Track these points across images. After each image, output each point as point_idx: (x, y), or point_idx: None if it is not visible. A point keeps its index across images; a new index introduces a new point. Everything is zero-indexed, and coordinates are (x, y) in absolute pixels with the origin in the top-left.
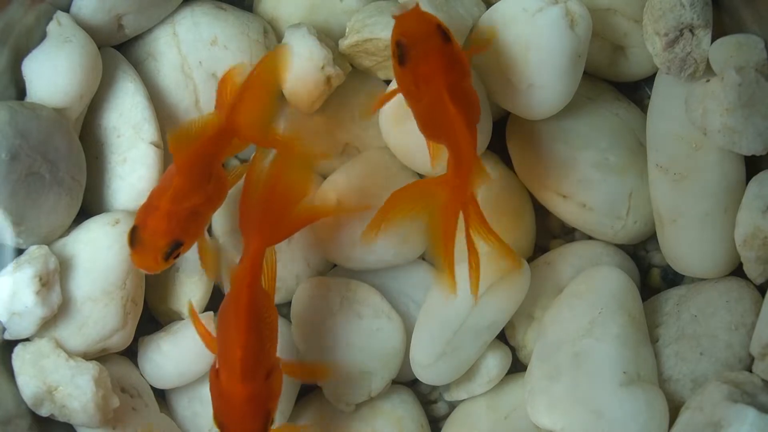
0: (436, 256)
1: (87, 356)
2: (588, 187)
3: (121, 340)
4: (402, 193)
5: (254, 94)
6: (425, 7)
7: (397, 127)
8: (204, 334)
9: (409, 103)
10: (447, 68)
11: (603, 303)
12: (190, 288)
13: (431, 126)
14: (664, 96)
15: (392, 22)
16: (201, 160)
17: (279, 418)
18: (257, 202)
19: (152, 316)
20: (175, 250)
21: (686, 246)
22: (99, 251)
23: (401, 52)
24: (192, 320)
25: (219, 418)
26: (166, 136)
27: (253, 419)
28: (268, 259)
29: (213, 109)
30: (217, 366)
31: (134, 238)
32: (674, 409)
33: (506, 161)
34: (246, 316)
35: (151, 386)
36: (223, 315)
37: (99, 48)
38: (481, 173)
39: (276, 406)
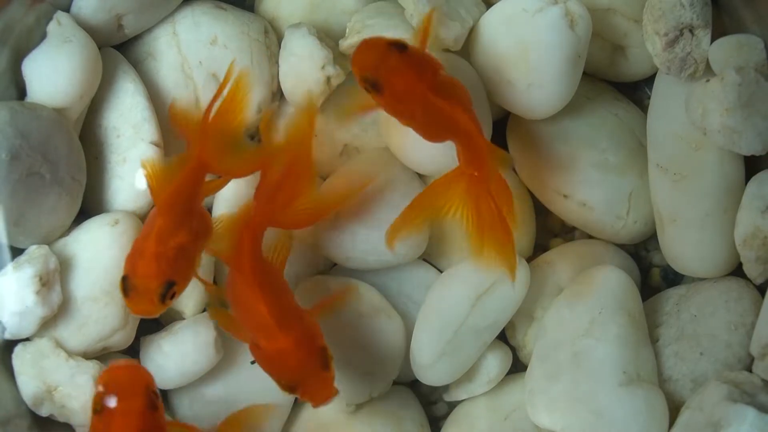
0: (481, 249)
1: (87, 356)
2: (588, 186)
3: (121, 339)
4: (424, 197)
5: (218, 125)
6: (422, 6)
7: (397, 127)
8: (228, 325)
9: (406, 123)
10: (419, 74)
11: (603, 303)
12: (190, 287)
13: (434, 132)
14: (664, 96)
15: (392, 23)
16: (181, 199)
17: (276, 425)
18: (271, 182)
19: None
20: (169, 290)
21: (686, 246)
22: (99, 251)
23: (371, 85)
24: (212, 314)
25: (284, 382)
26: (165, 136)
27: (311, 359)
28: (282, 244)
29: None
30: (254, 341)
31: (126, 286)
32: (674, 409)
33: None
34: (252, 274)
35: None
36: (232, 288)
37: (99, 48)
38: (500, 156)
39: (326, 345)
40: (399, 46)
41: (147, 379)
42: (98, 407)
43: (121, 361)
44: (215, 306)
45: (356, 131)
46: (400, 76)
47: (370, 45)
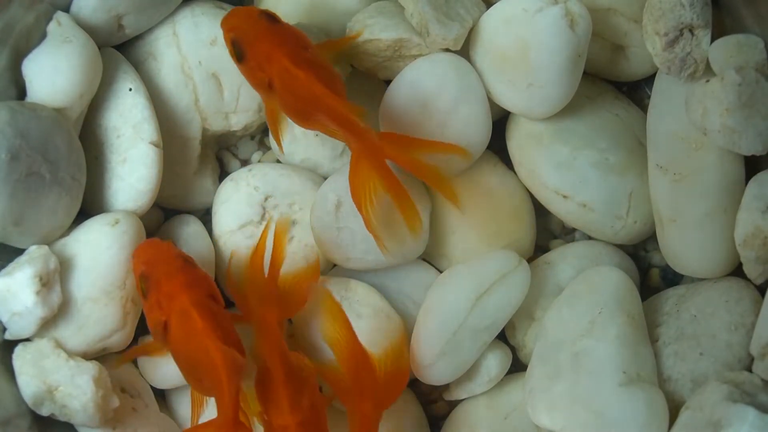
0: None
1: (87, 356)
2: (588, 187)
3: (121, 340)
4: (354, 196)
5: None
6: (422, 6)
7: (398, 128)
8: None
9: (268, 98)
10: (282, 43)
11: (603, 303)
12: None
13: (300, 109)
14: (664, 96)
15: (392, 23)
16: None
17: None
18: (359, 374)
19: None
20: None
21: (686, 246)
22: (99, 251)
23: (236, 48)
24: None
25: None
26: (165, 136)
27: None
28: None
29: None
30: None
31: None
32: (674, 409)
33: (506, 161)
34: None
35: (151, 386)
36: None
37: (99, 48)
38: (358, 111)
39: None
40: (269, 16)
41: (172, 246)
42: (143, 288)
43: (145, 242)
44: None
45: None
46: (263, 41)
47: (240, 11)
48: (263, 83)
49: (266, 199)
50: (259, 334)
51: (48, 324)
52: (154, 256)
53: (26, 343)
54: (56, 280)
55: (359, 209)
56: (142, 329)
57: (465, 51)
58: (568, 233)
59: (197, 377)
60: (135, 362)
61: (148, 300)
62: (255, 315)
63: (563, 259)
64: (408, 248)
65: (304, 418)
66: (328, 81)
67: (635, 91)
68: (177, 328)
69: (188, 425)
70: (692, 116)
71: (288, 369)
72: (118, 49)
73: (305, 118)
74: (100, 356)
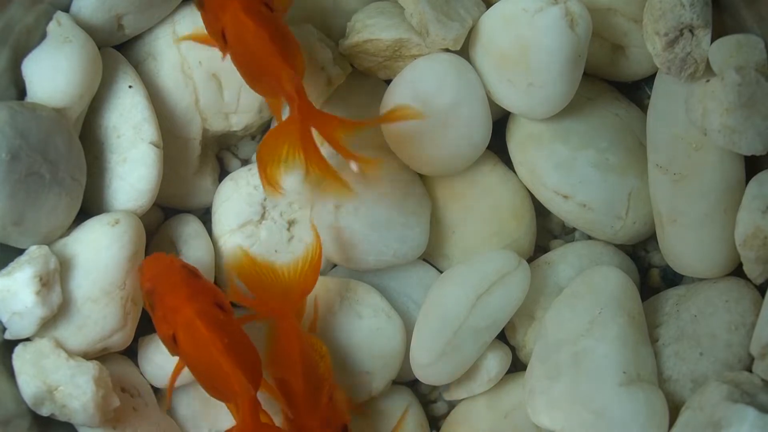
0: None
1: (87, 356)
2: (588, 187)
3: (121, 339)
4: (265, 147)
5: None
6: (422, 6)
7: (399, 127)
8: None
9: (222, 48)
10: None
11: (603, 303)
12: None
13: (249, 63)
14: (664, 96)
15: (392, 23)
16: None
17: None
18: None
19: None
20: None
21: (686, 246)
22: (99, 251)
23: None
24: None
25: None
26: (165, 136)
27: None
28: None
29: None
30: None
31: None
32: (674, 409)
33: (506, 161)
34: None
35: (151, 386)
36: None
37: (99, 48)
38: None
39: None
40: None
41: (174, 259)
42: (150, 303)
43: (150, 256)
44: None
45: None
46: None
47: None
48: (216, 33)
49: (266, 198)
50: (278, 328)
51: (48, 324)
52: (157, 270)
53: (26, 343)
54: (56, 280)
55: (262, 167)
56: (142, 329)
57: (465, 51)
58: (568, 233)
59: (213, 386)
60: (135, 362)
61: (155, 314)
62: (271, 311)
63: (563, 259)
64: (407, 247)
65: (323, 418)
66: (283, 44)
67: (635, 91)
68: (185, 340)
69: (188, 425)
70: (692, 116)
71: (307, 367)
72: (118, 49)
73: (253, 75)
74: (101, 356)
